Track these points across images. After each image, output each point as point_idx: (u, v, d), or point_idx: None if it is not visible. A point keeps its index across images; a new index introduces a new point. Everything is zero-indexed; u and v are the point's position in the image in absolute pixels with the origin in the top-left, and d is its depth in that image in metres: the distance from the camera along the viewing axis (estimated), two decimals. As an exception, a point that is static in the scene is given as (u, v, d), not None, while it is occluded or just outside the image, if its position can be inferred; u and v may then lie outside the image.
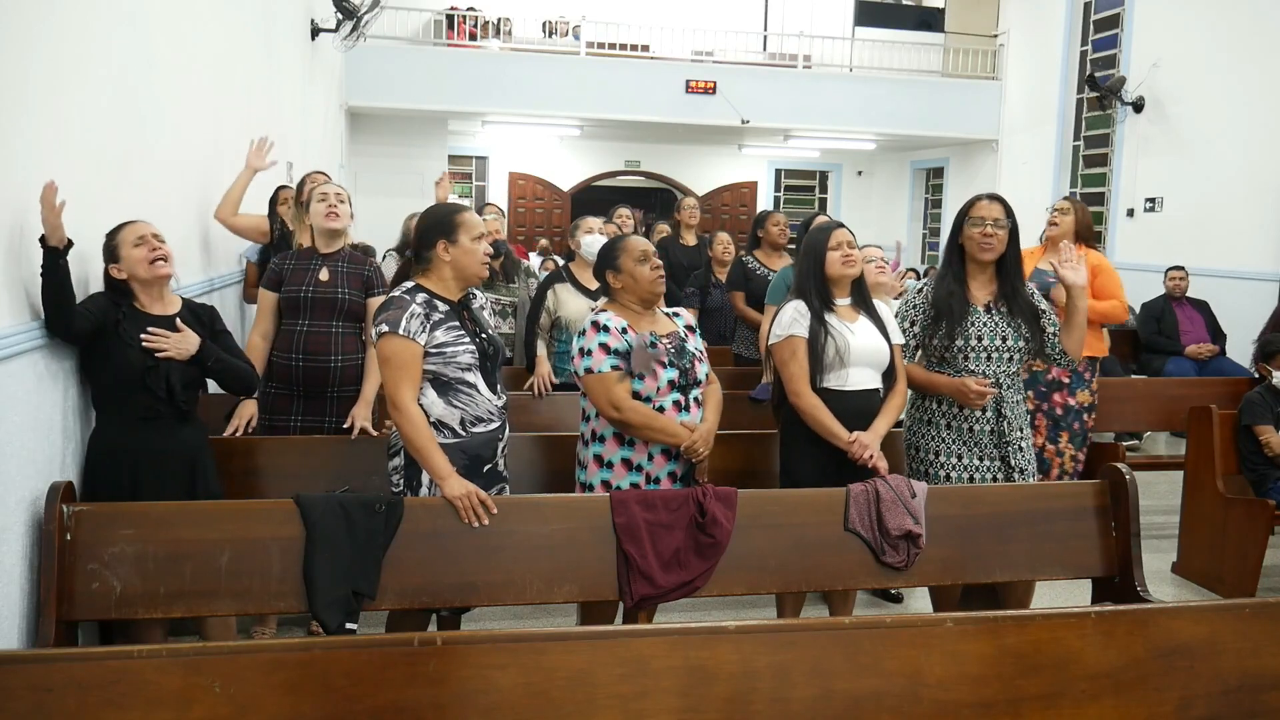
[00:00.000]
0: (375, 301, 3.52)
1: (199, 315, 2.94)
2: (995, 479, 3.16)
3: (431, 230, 2.78)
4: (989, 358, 3.13)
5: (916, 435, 3.26)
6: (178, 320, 2.81)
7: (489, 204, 6.16)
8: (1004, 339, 3.13)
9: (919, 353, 3.25)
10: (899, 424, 3.39)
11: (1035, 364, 4.03)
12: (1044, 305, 3.23)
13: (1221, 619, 2.41)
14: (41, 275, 2.47)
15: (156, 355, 2.72)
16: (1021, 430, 3.20)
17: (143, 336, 2.72)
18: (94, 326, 2.64)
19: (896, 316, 3.27)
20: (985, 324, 3.14)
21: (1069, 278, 3.13)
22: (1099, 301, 4.44)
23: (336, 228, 3.54)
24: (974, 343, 3.12)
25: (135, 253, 2.75)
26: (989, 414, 3.15)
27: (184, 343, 2.77)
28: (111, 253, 2.76)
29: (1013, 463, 3.15)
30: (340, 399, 3.48)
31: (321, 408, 3.49)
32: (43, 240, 2.44)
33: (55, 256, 2.46)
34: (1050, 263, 3.40)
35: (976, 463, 3.16)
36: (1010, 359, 3.15)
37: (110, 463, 2.75)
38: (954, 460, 3.17)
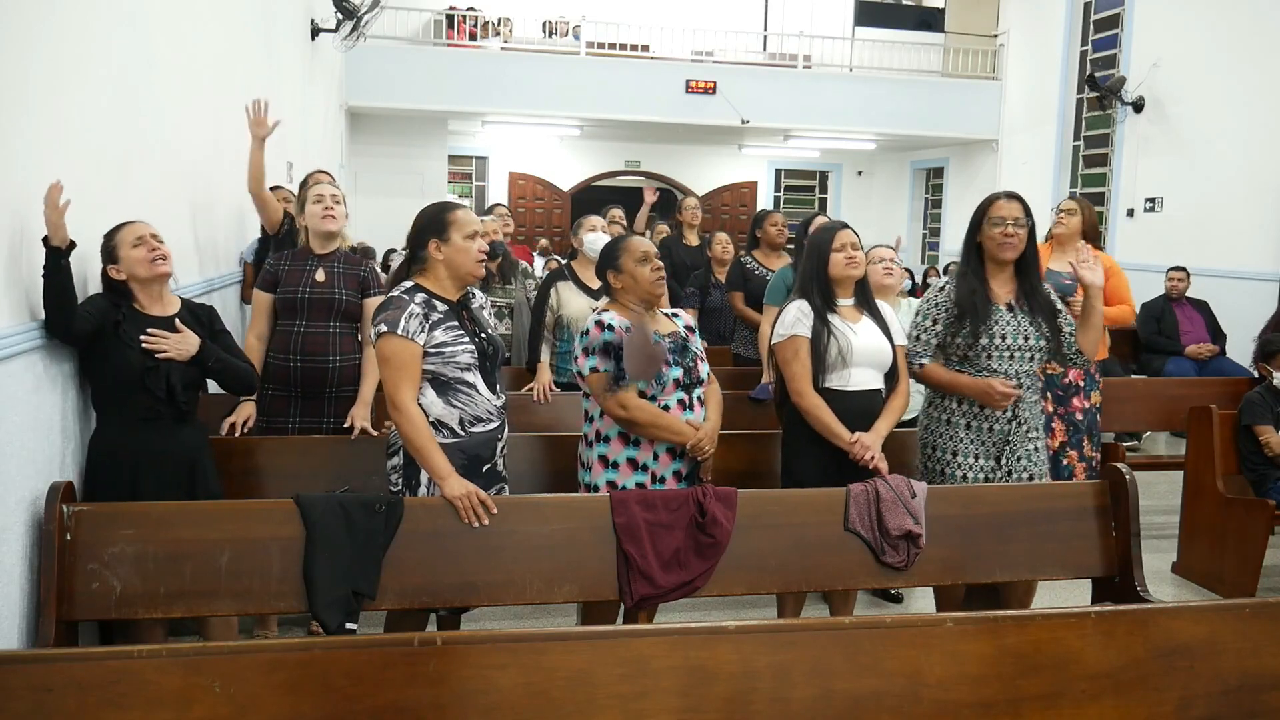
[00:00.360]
0: (371, 302, 3.51)
1: (198, 315, 2.93)
2: (1007, 479, 3.14)
3: (424, 229, 2.78)
4: (1011, 356, 3.11)
5: (933, 435, 3.24)
6: (177, 321, 2.81)
7: (497, 204, 6.17)
8: (1026, 338, 3.12)
9: (939, 351, 3.23)
10: (904, 423, 3.39)
11: (1050, 367, 4.01)
12: (1059, 304, 3.23)
13: (1221, 619, 2.41)
14: (43, 276, 2.47)
15: (156, 356, 2.73)
16: (1034, 431, 3.18)
17: (142, 338, 2.71)
18: (93, 328, 2.64)
19: (918, 315, 3.26)
20: (1009, 323, 3.12)
21: (1087, 277, 3.12)
22: (1109, 307, 4.44)
23: (332, 229, 3.53)
24: (998, 341, 3.10)
25: (134, 253, 2.75)
26: (1007, 414, 3.13)
27: (184, 343, 2.77)
28: (110, 253, 2.76)
29: (1002, 462, 3.14)
30: (338, 399, 3.48)
31: (319, 409, 3.48)
32: (46, 240, 2.44)
33: (57, 257, 2.45)
34: (1069, 262, 3.39)
35: (994, 464, 3.15)
36: (1032, 358, 3.14)
37: (110, 464, 2.75)
38: (970, 461, 3.16)
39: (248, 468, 3.26)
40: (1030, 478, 3.16)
